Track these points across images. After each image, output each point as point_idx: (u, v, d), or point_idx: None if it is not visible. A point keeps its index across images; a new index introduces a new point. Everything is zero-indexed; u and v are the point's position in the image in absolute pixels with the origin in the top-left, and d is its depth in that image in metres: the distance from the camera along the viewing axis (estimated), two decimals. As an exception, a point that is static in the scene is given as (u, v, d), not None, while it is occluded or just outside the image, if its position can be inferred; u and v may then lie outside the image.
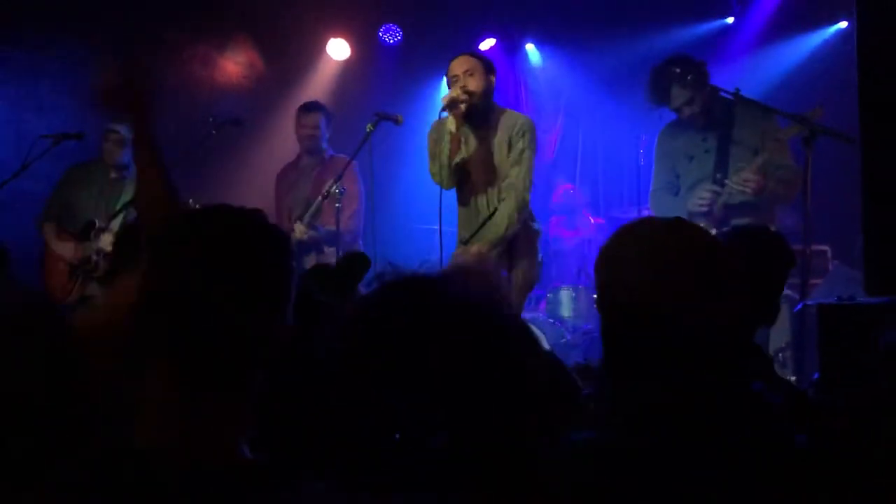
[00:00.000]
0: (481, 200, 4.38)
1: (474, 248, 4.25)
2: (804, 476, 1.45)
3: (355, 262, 2.61)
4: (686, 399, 1.41)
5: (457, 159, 4.31)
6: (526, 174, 4.32)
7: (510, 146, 4.32)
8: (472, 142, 4.36)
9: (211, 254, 1.29)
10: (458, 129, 4.28)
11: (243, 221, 1.35)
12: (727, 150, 4.46)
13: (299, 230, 5.11)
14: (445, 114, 4.29)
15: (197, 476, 1.22)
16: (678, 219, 1.56)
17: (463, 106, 4.23)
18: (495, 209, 4.33)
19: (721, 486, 1.39)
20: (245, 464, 1.29)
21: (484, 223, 4.36)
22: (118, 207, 5.03)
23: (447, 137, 4.33)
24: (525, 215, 4.34)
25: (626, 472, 1.40)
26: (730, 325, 1.51)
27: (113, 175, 5.20)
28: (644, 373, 1.45)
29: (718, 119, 4.52)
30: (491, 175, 4.36)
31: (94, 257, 4.92)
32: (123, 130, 5.05)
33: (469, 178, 4.42)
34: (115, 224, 4.98)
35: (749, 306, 1.53)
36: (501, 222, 4.30)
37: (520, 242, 4.34)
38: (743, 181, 4.32)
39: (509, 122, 4.35)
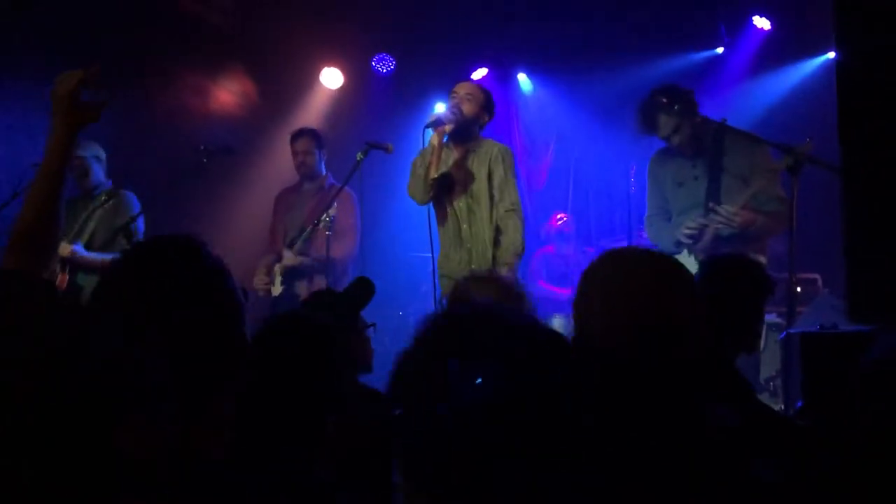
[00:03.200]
0: (463, 224, 4.46)
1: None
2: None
3: (362, 289, 2.75)
4: (629, 422, 1.43)
5: (434, 174, 4.38)
6: (516, 197, 4.45)
7: (490, 173, 4.41)
8: (453, 162, 4.46)
9: (152, 287, 1.37)
10: (440, 145, 4.36)
11: (178, 253, 1.43)
12: (718, 179, 4.48)
13: (288, 257, 5.14)
14: (430, 131, 4.39)
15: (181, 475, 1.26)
16: (640, 252, 1.59)
17: (447, 127, 4.32)
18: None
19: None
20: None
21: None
22: (89, 223, 4.97)
23: (429, 150, 4.41)
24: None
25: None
26: (686, 352, 1.53)
27: (84, 193, 5.06)
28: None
29: (708, 147, 4.54)
30: (469, 198, 4.44)
31: (56, 267, 4.82)
32: (82, 152, 5.02)
33: (447, 200, 4.51)
34: (84, 236, 4.91)
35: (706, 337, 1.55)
36: (510, 245, 4.37)
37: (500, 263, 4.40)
38: (730, 215, 4.34)
39: (487, 149, 4.48)
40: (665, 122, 4.46)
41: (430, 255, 4.53)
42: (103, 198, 4.96)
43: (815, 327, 2.97)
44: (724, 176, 4.46)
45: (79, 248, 4.82)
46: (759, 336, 2.40)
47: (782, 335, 3.20)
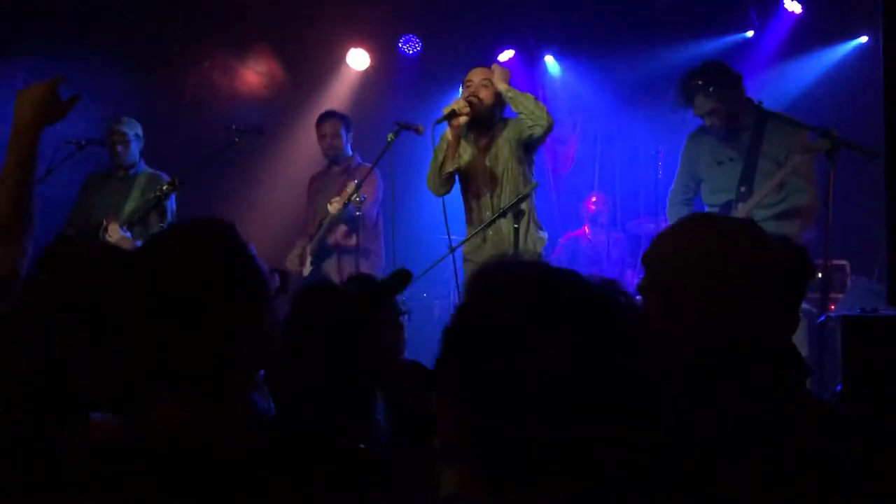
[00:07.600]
0: (485, 212, 4.40)
1: None
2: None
3: (399, 277, 2.76)
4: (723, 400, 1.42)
5: (449, 168, 4.35)
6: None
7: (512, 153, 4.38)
8: (473, 153, 4.43)
9: (174, 271, 1.38)
10: (455, 139, 4.33)
11: (200, 236, 1.43)
12: (754, 163, 4.46)
13: (334, 207, 5.00)
14: (445, 124, 4.34)
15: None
16: (747, 222, 1.58)
17: (462, 119, 4.28)
18: (497, 214, 4.31)
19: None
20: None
21: (483, 228, 4.37)
22: (127, 205, 5.05)
23: (443, 145, 4.38)
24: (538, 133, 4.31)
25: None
26: (772, 331, 1.53)
27: (121, 174, 5.21)
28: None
29: (746, 131, 4.51)
30: (493, 185, 4.39)
31: None
32: (126, 129, 5.12)
33: (471, 190, 4.47)
34: (122, 218, 4.99)
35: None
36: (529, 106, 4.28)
37: (525, 248, 4.33)
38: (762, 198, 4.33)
39: (511, 125, 4.41)
40: (701, 103, 4.44)
41: (447, 236, 4.51)
42: (143, 180, 5.06)
43: (857, 311, 2.96)
44: (760, 160, 4.43)
45: (127, 234, 4.86)
46: (799, 320, 2.38)
47: (821, 318, 3.18)
